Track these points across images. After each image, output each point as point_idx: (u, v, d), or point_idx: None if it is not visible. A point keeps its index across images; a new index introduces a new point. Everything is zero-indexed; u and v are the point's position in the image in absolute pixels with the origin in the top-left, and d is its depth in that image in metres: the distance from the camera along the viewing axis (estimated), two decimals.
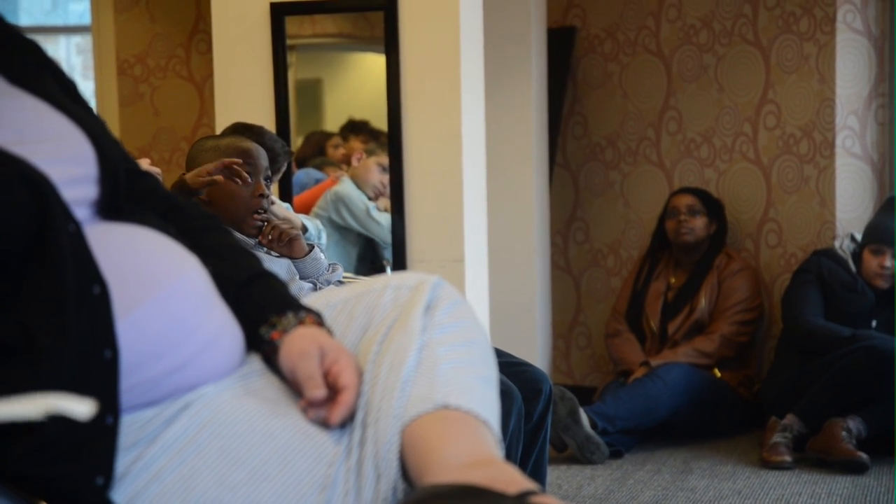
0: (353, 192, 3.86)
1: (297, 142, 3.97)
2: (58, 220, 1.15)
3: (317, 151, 4.40)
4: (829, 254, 4.31)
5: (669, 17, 4.96)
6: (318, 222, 3.61)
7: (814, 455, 3.87)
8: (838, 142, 4.49)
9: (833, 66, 4.48)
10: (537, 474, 2.64)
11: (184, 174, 2.61)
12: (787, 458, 3.86)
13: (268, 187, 2.68)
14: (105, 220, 1.32)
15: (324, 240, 3.49)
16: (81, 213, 1.27)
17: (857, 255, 4.29)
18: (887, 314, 4.16)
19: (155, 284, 1.25)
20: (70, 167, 1.27)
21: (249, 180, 2.57)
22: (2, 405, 1.04)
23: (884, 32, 4.51)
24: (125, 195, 1.36)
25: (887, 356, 3.88)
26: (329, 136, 4.40)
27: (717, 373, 4.47)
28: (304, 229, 3.24)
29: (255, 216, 2.64)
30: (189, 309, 1.28)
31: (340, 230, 3.79)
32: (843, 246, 4.32)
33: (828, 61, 4.50)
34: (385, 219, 3.76)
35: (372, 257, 3.88)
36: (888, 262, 4.18)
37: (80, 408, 1.04)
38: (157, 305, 1.24)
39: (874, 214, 4.40)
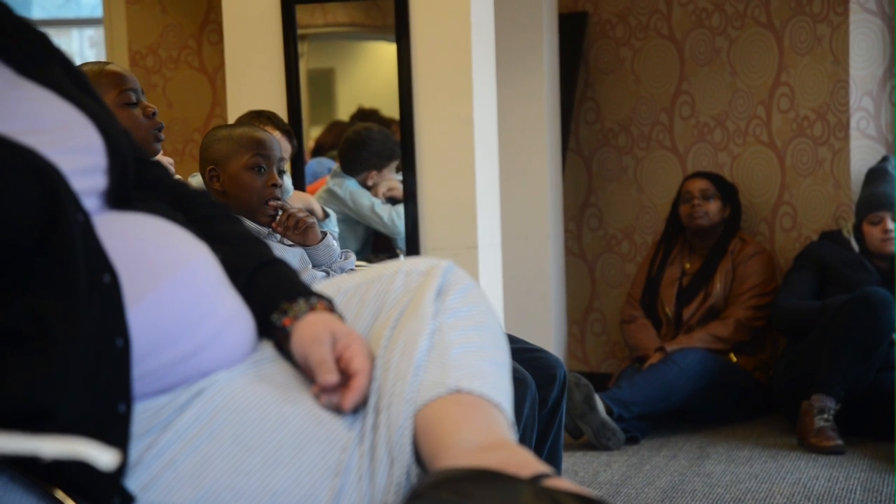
0: (358, 188, 3.85)
1: (310, 132, 3.97)
2: (67, 210, 1.15)
3: (337, 141, 4.40)
4: (832, 235, 4.32)
5: (681, 1, 4.94)
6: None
7: None
8: (853, 123, 4.47)
9: (847, 47, 4.45)
10: (553, 461, 2.64)
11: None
12: (839, 442, 3.80)
13: (281, 177, 2.70)
14: (114, 209, 1.32)
15: (335, 227, 3.49)
16: (91, 202, 1.27)
17: (859, 233, 4.27)
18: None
19: (165, 272, 1.25)
20: (79, 157, 1.27)
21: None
22: (25, 440, 1.05)
23: None
24: (134, 184, 1.36)
25: (874, 300, 3.88)
26: (349, 125, 4.40)
27: (733, 357, 4.46)
28: (326, 215, 3.24)
29: (270, 204, 2.66)
30: (200, 296, 1.28)
31: (344, 221, 3.79)
32: (849, 228, 4.31)
33: (841, 42, 4.47)
34: (386, 211, 3.75)
35: (375, 248, 3.87)
36: (889, 225, 4.18)
37: (104, 457, 1.05)
38: (167, 293, 1.24)
39: (861, 190, 4.38)
